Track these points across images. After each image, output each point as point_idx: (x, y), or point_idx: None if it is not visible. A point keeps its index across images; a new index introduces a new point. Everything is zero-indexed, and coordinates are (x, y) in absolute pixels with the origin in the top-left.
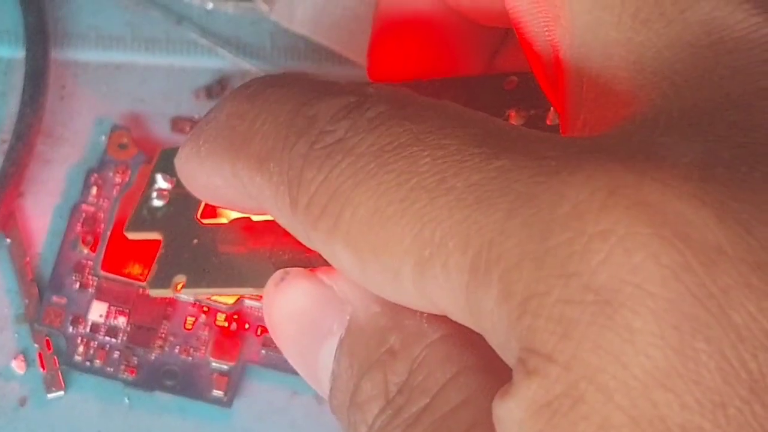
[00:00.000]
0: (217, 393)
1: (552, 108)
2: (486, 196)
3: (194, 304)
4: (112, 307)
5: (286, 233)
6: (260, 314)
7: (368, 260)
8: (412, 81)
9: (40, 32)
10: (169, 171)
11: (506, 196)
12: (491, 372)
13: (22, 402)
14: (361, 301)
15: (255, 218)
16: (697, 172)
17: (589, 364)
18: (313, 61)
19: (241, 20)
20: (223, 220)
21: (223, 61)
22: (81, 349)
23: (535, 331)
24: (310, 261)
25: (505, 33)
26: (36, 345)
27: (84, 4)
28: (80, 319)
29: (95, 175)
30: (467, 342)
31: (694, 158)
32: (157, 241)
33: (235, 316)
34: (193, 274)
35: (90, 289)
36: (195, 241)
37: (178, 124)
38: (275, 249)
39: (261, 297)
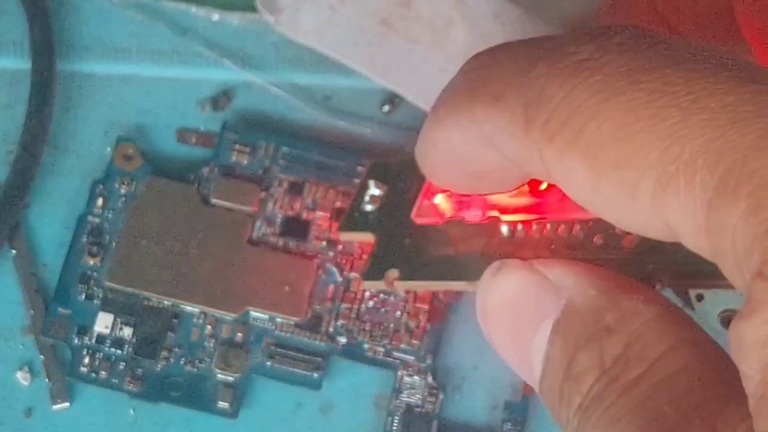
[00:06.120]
0: (223, 404)
1: None
2: (742, 117)
3: (199, 317)
4: (117, 319)
5: (497, 235)
6: (265, 326)
7: (606, 175)
8: None
9: (46, 44)
10: (381, 179)
11: (764, 117)
12: (706, 347)
13: (27, 413)
14: (578, 286)
15: (468, 220)
16: None
17: None
18: (319, 72)
19: (247, 32)
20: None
21: (229, 73)
22: (86, 360)
23: None
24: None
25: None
26: (41, 356)
27: (90, 16)
28: (86, 331)
29: (101, 186)
30: (681, 320)
31: None
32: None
33: (241, 328)
34: (406, 268)
35: (95, 301)
36: (407, 240)
37: (183, 135)
38: (486, 250)
39: (472, 290)
